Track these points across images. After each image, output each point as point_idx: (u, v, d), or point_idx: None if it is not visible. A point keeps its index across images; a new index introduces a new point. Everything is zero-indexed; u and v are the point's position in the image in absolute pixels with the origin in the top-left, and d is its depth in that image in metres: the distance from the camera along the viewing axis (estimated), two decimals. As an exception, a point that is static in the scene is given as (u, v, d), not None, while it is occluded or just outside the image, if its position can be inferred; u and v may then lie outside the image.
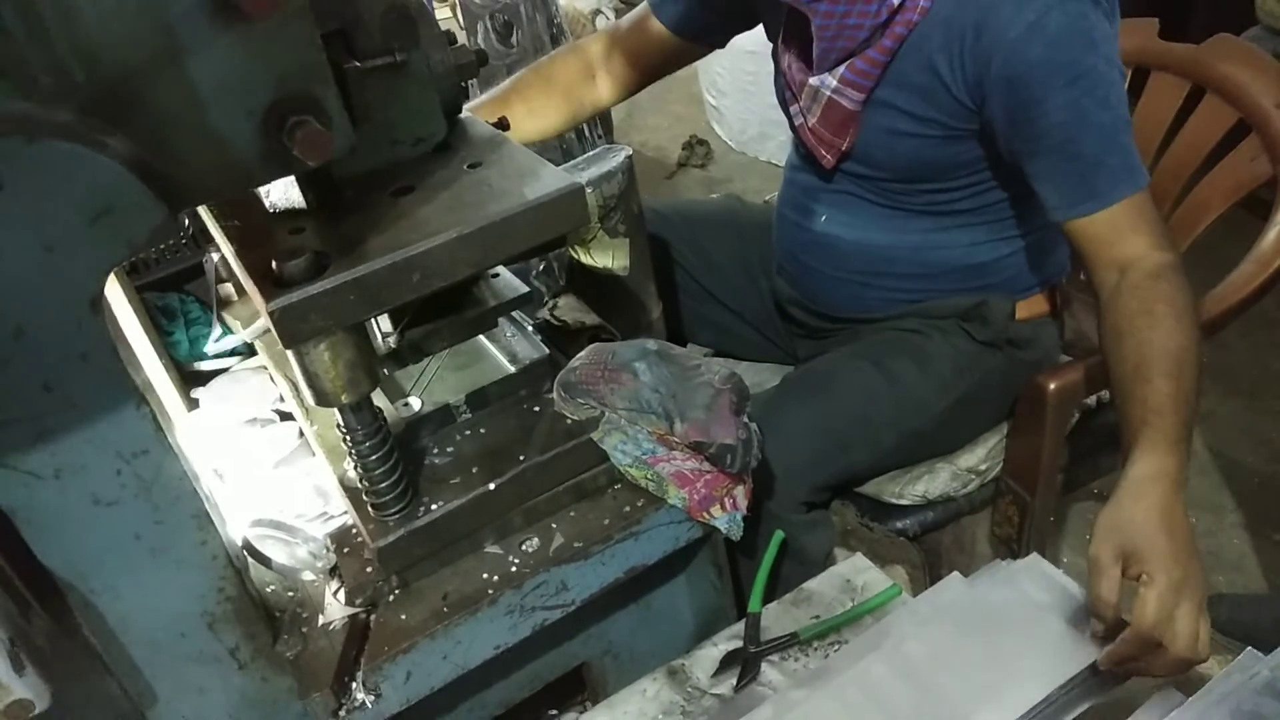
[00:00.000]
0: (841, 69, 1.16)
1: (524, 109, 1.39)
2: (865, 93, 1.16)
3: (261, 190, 0.80)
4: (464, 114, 0.87)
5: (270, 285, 0.69)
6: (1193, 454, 2.00)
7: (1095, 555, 0.86)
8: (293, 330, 0.70)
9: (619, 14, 4.82)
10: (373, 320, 0.86)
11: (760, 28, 1.35)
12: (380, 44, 0.73)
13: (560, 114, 1.44)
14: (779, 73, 1.29)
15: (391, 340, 0.88)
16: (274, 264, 0.70)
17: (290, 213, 0.79)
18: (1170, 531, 0.85)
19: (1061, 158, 1.06)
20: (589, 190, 1.09)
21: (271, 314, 0.68)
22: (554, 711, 1.18)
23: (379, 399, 0.90)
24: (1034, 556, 0.97)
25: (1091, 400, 1.39)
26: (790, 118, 1.29)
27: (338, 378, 0.77)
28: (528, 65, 1.49)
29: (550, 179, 0.77)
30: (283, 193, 0.79)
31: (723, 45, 1.44)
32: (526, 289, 0.97)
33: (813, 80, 1.19)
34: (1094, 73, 1.03)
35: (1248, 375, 2.24)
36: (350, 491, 0.90)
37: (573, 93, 1.44)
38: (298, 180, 0.76)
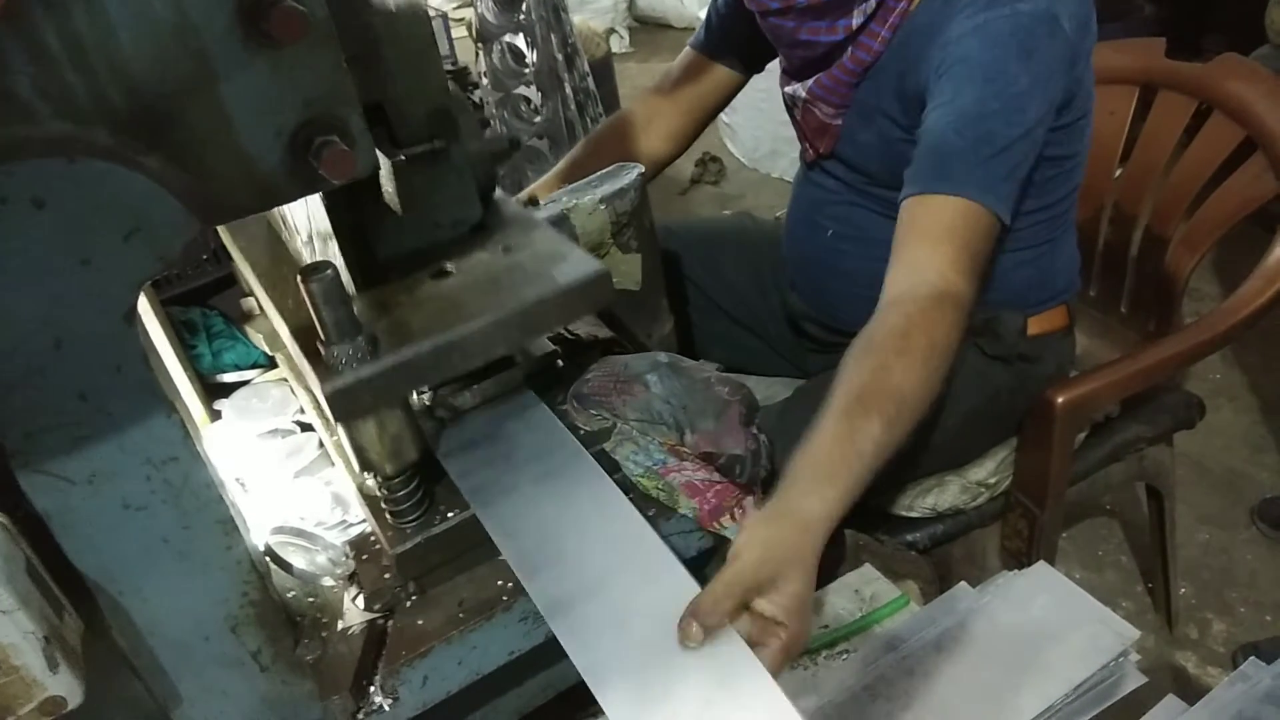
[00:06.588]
0: (810, 83, 1.22)
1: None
2: (837, 109, 1.22)
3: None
4: (497, 194, 0.90)
5: (324, 367, 0.72)
6: (1205, 469, 2.02)
7: (743, 570, 0.76)
8: (346, 409, 0.74)
9: (632, 33, 4.87)
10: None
11: None
12: (423, 135, 0.76)
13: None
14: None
15: (425, 398, 0.94)
16: None
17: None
18: (810, 582, 0.78)
19: (941, 138, 1.06)
20: (602, 206, 1.11)
21: (328, 396, 0.71)
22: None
23: (398, 410, 0.93)
24: (1041, 564, 0.98)
25: (1100, 415, 1.40)
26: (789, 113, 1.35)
27: (383, 450, 0.83)
28: (541, 82, 1.50)
29: (578, 263, 0.80)
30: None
31: (759, 69, 1.47)
32: (553, 348, 1.00)
33: (786, 89, 1.28)
34: (1014, 82, 1.04)
35: (1258, 390, 2.24)
36: (369, 500, 0.92)
37: (630, 152, 1.43)
38: (346, 265, 0.79)
